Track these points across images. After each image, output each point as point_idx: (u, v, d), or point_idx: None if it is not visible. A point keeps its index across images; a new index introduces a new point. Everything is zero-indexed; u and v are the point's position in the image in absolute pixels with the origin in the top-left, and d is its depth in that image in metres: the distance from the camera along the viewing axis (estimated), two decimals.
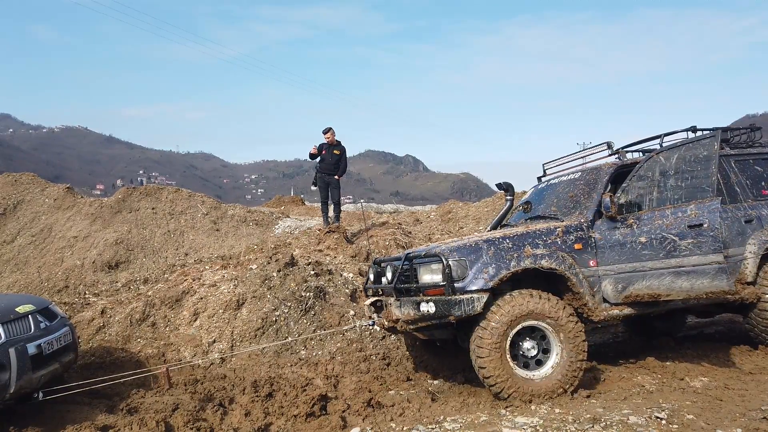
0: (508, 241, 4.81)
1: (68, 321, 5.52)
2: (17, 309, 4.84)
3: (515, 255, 4.72)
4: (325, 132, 9.97)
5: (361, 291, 7.74)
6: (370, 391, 5.27)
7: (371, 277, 5.73)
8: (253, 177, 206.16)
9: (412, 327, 4.90)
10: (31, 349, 4.62)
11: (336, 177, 9.90)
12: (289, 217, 13.70)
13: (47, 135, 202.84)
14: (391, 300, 5.01)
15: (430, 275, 4.84)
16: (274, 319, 6.78)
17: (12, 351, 4.45)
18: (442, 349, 5.98)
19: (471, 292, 4.56)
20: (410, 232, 11.23)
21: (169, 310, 6.94)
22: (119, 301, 7.48)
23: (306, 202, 19.67)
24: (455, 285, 4.60)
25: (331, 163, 9.89)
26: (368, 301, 5.54)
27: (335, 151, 9.90)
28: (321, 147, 10.00)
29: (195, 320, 6.78)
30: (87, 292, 9.40)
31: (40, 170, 15.65)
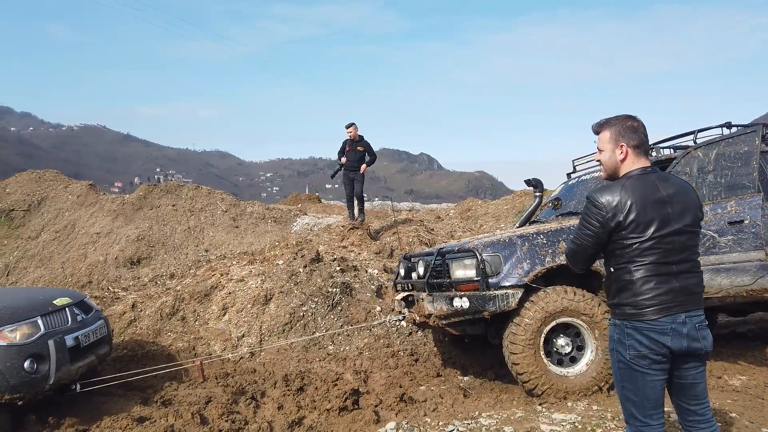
0: (542, 236, 4.77)
1: (102, 314, 5.59)
2: (55, 302, 4.91)
3: (550, 251, 4.69)
4: (347, 127, 9.96)
5: (386, 287, 7.75)
6: (401, 387, 5.28)
7: (401, 272, 5.73)
8: (268, 175, 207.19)
9: (444, 322, 4.89)
10: (69, 341, 4.68)
11: (360, 172, 9.88)
12: (306, 214, 13.74)
13: (66, 133, 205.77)
14: (423, 295, 5.00)
15: (463, 270, 4.81)
16: (301, 314, 6.81)
17: (51, 343, 4.51)
18: (470, 345, 5.96)
19: (505, 287, 4.54)
20: (432, 229, 11.21)
21: (198, 305, 7.00)
22: (149, 295, 7.56)
23: (322, 200, 19.73)
24: (489, 280, 4.58)
25: (354, 159, 9.88)
26: (399, 296, 5.53)
27: (358, 147, 9.90)
28: (344, 144, 10.00)
29: (224, 315, 6.83)
30: (111, 287, 9.51)
31: (60, 168, 15.84)
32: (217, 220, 12.34)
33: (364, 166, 9.89)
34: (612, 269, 2.49)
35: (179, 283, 8.09)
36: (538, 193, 6.69)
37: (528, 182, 6.84)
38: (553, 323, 4.54)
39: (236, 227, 12.20)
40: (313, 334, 6.59)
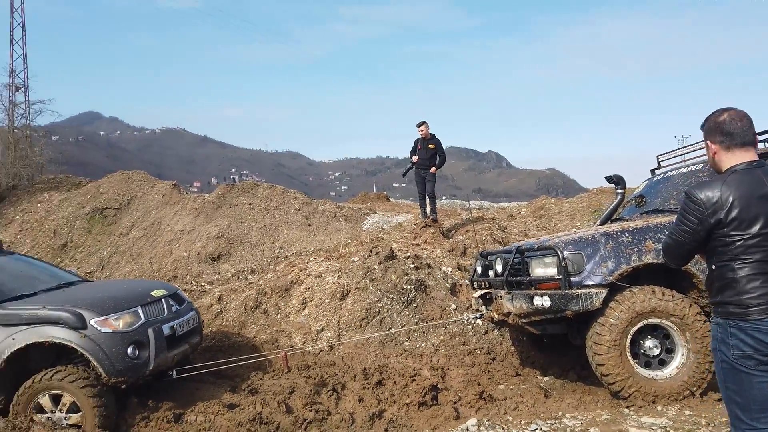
0: (627, 234, 4.63)
1: (193, 306, 5.94)
2: (152, 293, 5.27)
3: (635, 249, 4.54)
4: (418, 126, 10.00)
5: (460, 285, 7.74)
6: (479, 384, 5.27)
7: (478, 269, 5.71)
8: (336, 174, 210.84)
9: (524, 321, 4.84)
10: (166, 330, 5.01)
11: (431, 170, 9.90)
12: (376, 213, 13.90)
13: (150, 136, 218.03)
14: (502, 293, 4.97)
15: (543, 268, 4.75)
16: (377, 310, 6.93)
17: (150, 331, 4.85)
18: (550, 345, 5.86)
19: (588, 286, 4.45)
20: (505, 228, 11.06)
21: (279, 299, 7.28)
22: (233, 289, 7.93)
23: (391, 199, 19.89)
24: (571, 279, 4.49)
25: (425, 158, 9.91)
26: (476, 294, 5.53)
27: (429, 146, 9.91)
28: (415, 142, 10.05)
29: (303, 309, 7.07)
30: (196, 281, 10.02)
31: (144, 169, 16.80)
32: (291, 218, 12.71)
33: (434, 168, 9.91)
34: (714, 266, 2.40)
35: (260, 278, 8.43)
36: (619, 190, 6.47)
37: (609, 179, 6.63)
38: (641, 324, 4.40)
39: (309, 225, 12.52)
40: (389, 330, 6.69)
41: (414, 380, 5.31)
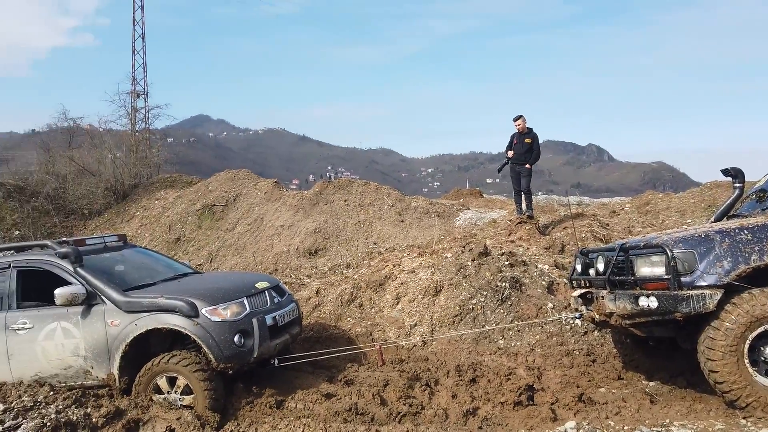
0: (746, 232, 4.26)
1: (294, 298, 6.21)
2: (257, 285, 5.58)
3: (756, 248, 4.16)
4: (515, 120, 9.77)
5: (558, 284, 7.49)
6: (578, 386, 5.09)
7: (578, 268, 5.49)
8: (429, 170, 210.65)
9: (628, 322, 4.60)
10: (269, 320, 5.29)
11: (527, 166, 9.65)
12: (469, 209, 13.75)
13: (253, 136, 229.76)
14: (604, 292, 4.75)
15: (650, 267, 4.48)
16: (470, 307, 6.88)
17: (254, 321, 5.13)
18: (656, 348, 5.52)
19: (701, 287, 4.13)
20: (607, 224, 10.54)
21: (374, 293, 7.43)
22: (330, 283, 8.20)
23: (484, 195, 19.56)
24: (681, 279, 4.20)
25: (521, 153, 9.67)
26: (576, 293, 5.32)
27: (526, 140, 9.66)
28: (512, 137, 9.83)
29: (397, 304, 7.16)
30: (295, 275, 10.45)
31: (248, 167, 17.72)
32: (384, 214, 12.88)
33: (528, 165, 9.66)
34: None
35: (355, 273, 8.64)
36: (738, 184, 5.94)
37: (725, 172, 6.11)
38: (761, 329, 4.04)
39: (402, 221, 12.63)
40: (482, 328, 6.62)
41: (509, 379, 5.23)
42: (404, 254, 8.64)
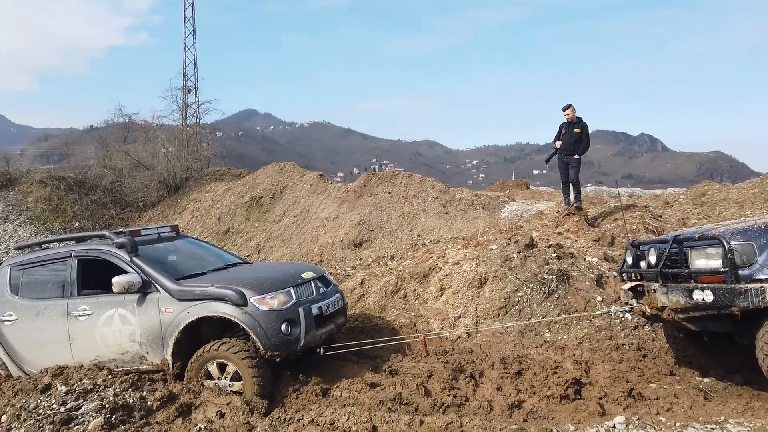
0: None
1: (339, 288, 6.28)
2: (303, 275, 5.68)
3: None
4: (564, 109, 9.55)
5: (607, 277, 7.30)
6: (627, 381, 4.96)
7: (628, 260, 5.34)
8: (474, 162, 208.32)
9: (681, 316, 4.45)
10: (315, 309, 5.37)
11: (575, 156, 9.43)
12: (515, 200, 13.54)
13: (299, 130, 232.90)
14: (656, 285, 4.61)
15: (705, 260, 4.32)
16: (516, 299, 6.79)
17: (301, 310, 5.23)
18: (711, 344, 5.32)
19: (761, 281, 3.96)
20: (660, 216, 10.18)
21: (418, 285, 7.44)
22: (374, 274, 8.26)
23: (531, 186, 19.21)
24: (739, 272, 4.04)
25: (570, 143, 9.44)
26: (626, 286, 5.18)
27: (575, 129, 9.43)
28: (560, 127, 9.61)
29: (441, 295, 7.15)
30: (339, 266, 10.57)
31: (295, 160, 17.97)
32: (429, 206, 12.83)
33: (577, 156, 9.42)
34: None
35: (400, 264, 8.67)
36: None
37: None
38: None
39: (446, 213, 12.55)
40: (528, 320, 6.53)
41: (555, 372, 5.15)
42: (448, 246, 8.60)
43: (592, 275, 7.24)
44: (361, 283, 7.77)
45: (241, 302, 5.02)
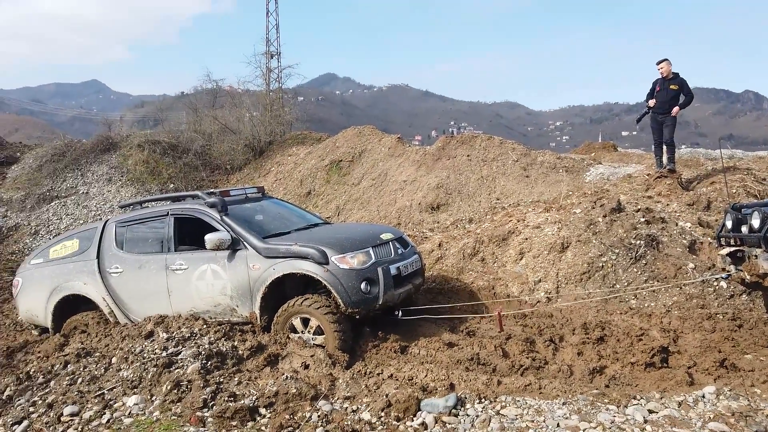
0: None
1: (417, 250, 6.35)
2: (382, 236, 5.78)
3: None
4: (658, 63, 8.93)
5: (701, 243, 6.90)
6: (720, 351, 4.72)
7: (728, 224, 5.00)
8: (557, 124, 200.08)
9: None
10: (393, 270, 5.47)
11: (673, 112, 8.80)
12: (601, 163, 12.92)
13: (377, 93, 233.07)
14: (758, 251, 4.31)
15: None
16: (600, 264, 6.58)
17: (380, 270, 5.34)
18: None
19: None
20: (764, 179, 9.41)
21: (497, 248, 7.36)
22: (452, 236, 8.26)
23: (619, 148, 18.24)
24: None
25: (665, 100, 8.83)
26: (724, 251, 4.87)
27: (672, 86, 8.79)
28: (654, 84, 9.00)
29: (521, 259, 7.04)
30: (416, 229, 10.62)
31: (373, 124, 18.01)
32: (508, 169, 12.53)
33: (676, 108, 8.78)
34: None
35: (478, 227, 8.59)
36: None
37: None
38: None
39: (527, 177, 12.21)
40: (612, 287, 6.32)
41: (641, 340, 4.98)
42: (529, 210, 8.41)
43: (684, 241, 6.86)
44: (439, 245, 7.79)
45: (323, 261, 5.19)
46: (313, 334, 5.27)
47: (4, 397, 4.79)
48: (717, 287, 6.04)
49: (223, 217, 5.83)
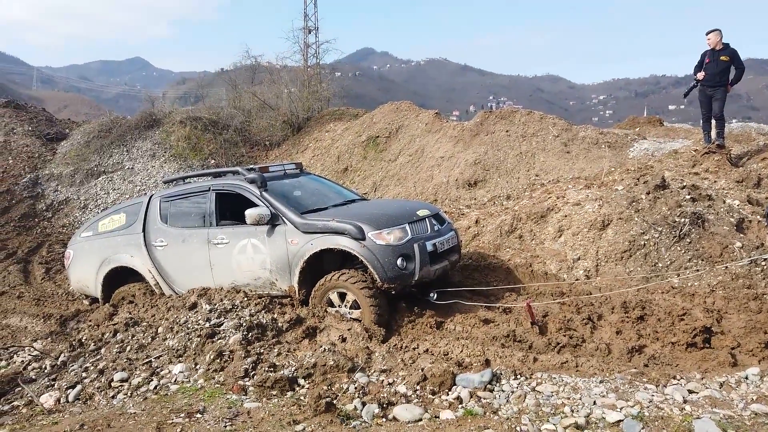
0: None
1: (453, 226, 6.34)
2: (418, 212, 5.79)
3: None
4: (708, 34, 8.54)
5: (750, 221, 6.66)
6: (765, 333, 4.59)
7: None
8: (601, 98, 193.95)
9: None
10: (429, 246, 5.49)
11: (722, 88, 8.45)
12: (645, 138, 12.50)
13: (415, 68, 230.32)
14: None
15: None
16: (642, 243, 6.44)
17: (416, 246, 5.37)
18: None
19: None
20: None
21: (535, 225, 7.28)
22: (489, 213, 8.19)
23: (665, 123, 17.62)
24: None
25: (715, 73, 8.46)
26: None
27: (722, 57, 8.40)
28: (702, 56, 8.63)
29: (559, 236, 6.95)
30: (452, 205, 10.56)
31: (410, 99, 17.84)
32: (548, 145, 12.28)
33: (729, 85, 8.42)
34: None
35: (516, 204, 8.50)
36: None
37: None
38: None
39: (567, 152, 11.95)
40: (654, 266, 6.19)
41: (682, 320, 4.88)
42: (569, 186, 8.25)
43: (732, 219, 6.63)
44: (476, 221, 7.75)
45: (360, 236, 5.25)
46: (350, 308, 5.36)
47: (58, 363, 5.08)
48: (765, 267, 5.84)
49: (263, 192, 5.93)
